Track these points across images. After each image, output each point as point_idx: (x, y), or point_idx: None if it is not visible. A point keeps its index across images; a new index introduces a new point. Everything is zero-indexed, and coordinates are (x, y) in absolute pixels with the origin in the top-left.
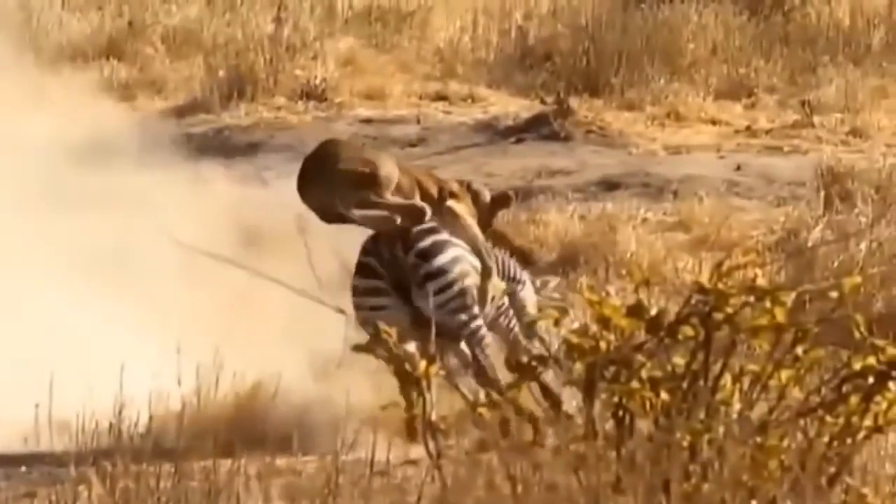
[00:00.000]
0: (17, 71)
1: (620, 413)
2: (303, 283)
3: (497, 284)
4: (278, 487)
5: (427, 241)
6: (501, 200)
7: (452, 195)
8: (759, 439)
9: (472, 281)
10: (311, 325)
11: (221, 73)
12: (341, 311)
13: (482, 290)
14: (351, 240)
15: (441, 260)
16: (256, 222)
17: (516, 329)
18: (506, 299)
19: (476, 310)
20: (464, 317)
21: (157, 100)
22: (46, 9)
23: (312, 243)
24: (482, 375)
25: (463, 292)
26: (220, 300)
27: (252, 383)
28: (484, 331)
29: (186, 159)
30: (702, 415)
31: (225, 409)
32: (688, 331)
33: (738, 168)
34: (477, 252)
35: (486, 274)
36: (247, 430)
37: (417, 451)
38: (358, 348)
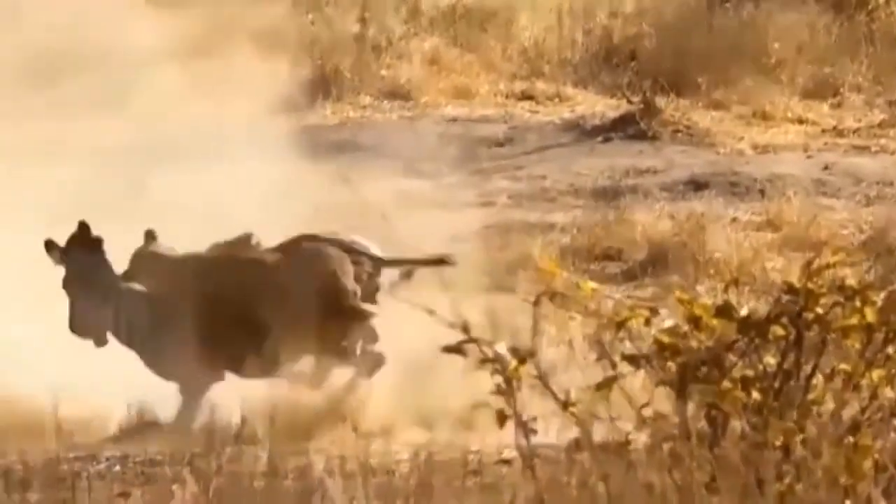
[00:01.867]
0: (101, 71)
1: (713, 413)
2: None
3: None
4: (372, 487)
5: None
6: None
7: None
8: (851, 439)
9: None
10: (400, 325)
11: (307, 72)
12: (431, 312)
13: None
14: (433, 236)
15: None
16: (343, 222)
17: None
18: None
19: None
20: None
21: (244, 99)
22: (132, 8)
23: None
24: None
25: None
26: None
27: (343, 383)
28: None
29: (274, 159)
30: (794, 415)
31: (317, 409)
32: (778, 330)
33: (826, 168)
34: None
35: None
36: (339, 429)
37: (510, 451)
38: (448, 349)
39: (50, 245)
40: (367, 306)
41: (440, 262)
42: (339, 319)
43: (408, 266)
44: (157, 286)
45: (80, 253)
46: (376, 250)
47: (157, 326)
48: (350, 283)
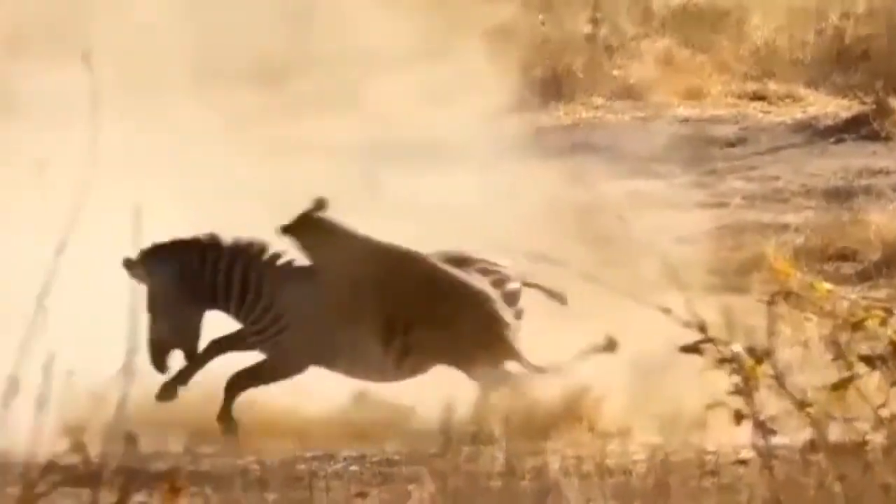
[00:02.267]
0: (333, 74)
1: None
2: (625, 282)
3: None
4: (610, 487)
5: None
6: None
7: None
8: None
9: None
10: (635, 326)
11: (538, 72)
12: (667, 311)
13: None
14: (664, 236)
15: None
16: (576, 223)
17: None
18: None
19: None
20: None
21: (475, 100)
22: (365, 8)
23: (633, 243)
24: None
25: None
26: (544, 302)
27: (579, 385)
28: None
29: (505, 160)
30: None
31: (553, 409)
32: None
33: None
34: None
35: None
36: (574, 429)
37: (747, 451)
38: (685, 348)
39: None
40: (518, 345)
41: (556, 296)
42: (492, 351)
43: (535, 288)
44: (332, 259)
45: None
46: (510, 270)
47: (321, 301)
48: (509, 318)
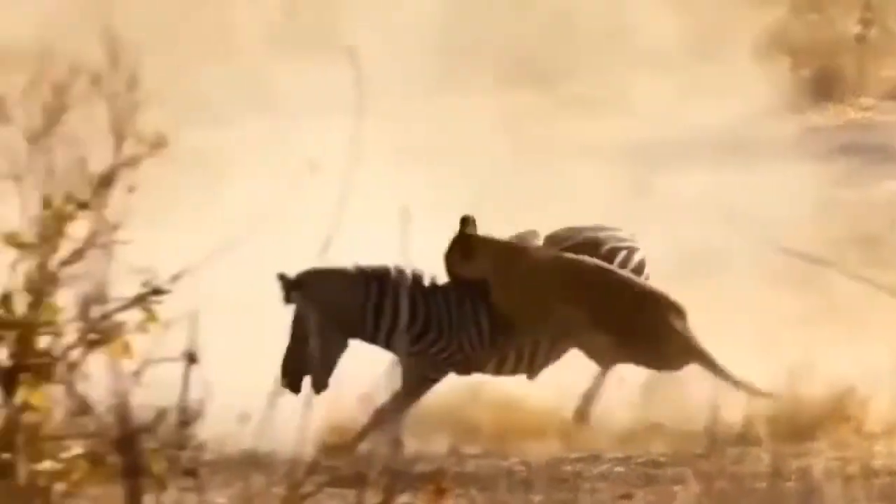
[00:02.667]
0: (600, 70)
1: None
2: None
3: None
4: (875, 489)
5: None
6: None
7: None
8: None
9: None
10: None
11: (808, 73)
12: None
13: None
14: None
15: None
16: (849, 225)
17: None
18: None
19: None
20: None
21: (743, 101)
22: (633, 8)
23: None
24: None
25: None
26: (813, 301)
27: (845, 385)
28: None
29: (775, 159)
30: None
31: (818, 410)
32: None
33: None
34: None
35: None
36: (840, 430)
37: None
38: None
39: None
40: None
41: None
42: (672, 352)
43: None
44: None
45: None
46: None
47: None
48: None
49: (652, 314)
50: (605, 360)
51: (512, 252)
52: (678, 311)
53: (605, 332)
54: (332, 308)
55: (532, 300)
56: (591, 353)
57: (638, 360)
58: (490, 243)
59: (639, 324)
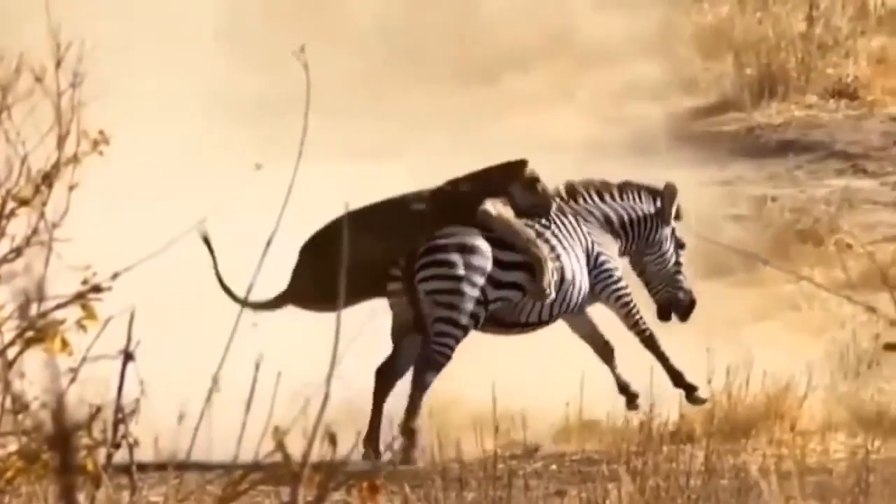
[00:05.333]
0: (548, 67)
1: None
2: (832, 282)
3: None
4: (810, 486)
5: None
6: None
7: None
8: None
9: None
10: (840, 324)
11: (752, 71)
12: (871, 310)
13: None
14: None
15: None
16: (790, 222)
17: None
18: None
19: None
20: None
21: (687, 99)
22: (580, 7)
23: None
24: None
25: None
26: (751, 299)
27: (781, 385)
28: None
29: (716, 158)
30: None
31: (754, 408)
32: None
33: None
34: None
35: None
36: (777, 427)
37: None
38: (889, 347)
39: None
40: None
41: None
42: None
43: None
44: None
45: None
46: None
47: None
48: None
49: None
50: None
51: None
52: None
53: None
54: None
55: None
56: None
57: None
58: None
59: None
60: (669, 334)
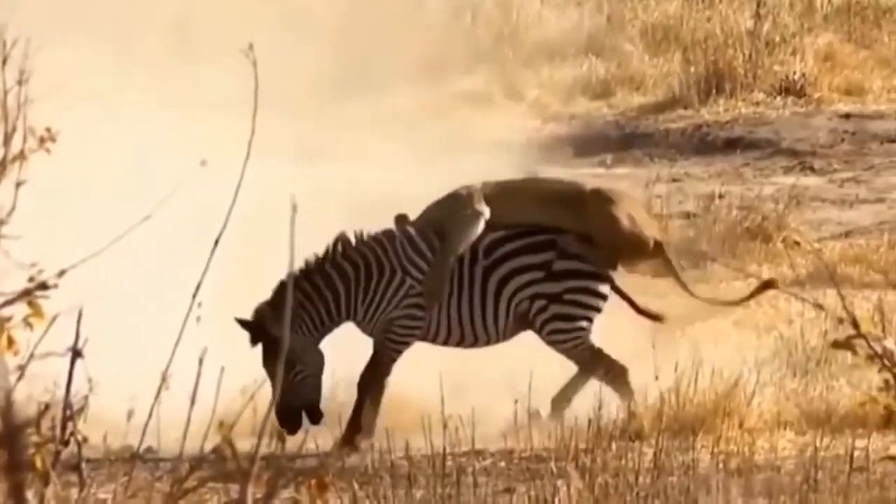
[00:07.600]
0: (494, 66)
1: None
2: (780, 279)
3: None
4: (758, 483)
5: None
6: None
7: None
8: None
9: None
10: (788, 321)
11: (699, 68)
12: (819, 307)
13: None
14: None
15: None
16: (737, 220)
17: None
18: None
19: None
20: None
21: (636, 96)
22: (526, 5)
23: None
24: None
25: None
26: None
27: (731, 380)
28: None
29: (664, 156)
30: None
31: (703, 405)
32: None
33: None
34: None
35: None
36: (725, 425)
37: None
38: (837, 344)
39: None
40: None
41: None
42: None
43: None
44: None
45: None
46: None
47: None
48: None
49: None
50: None
51: None
52: None
53: None
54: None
55: None
56: None
57: None
58: None
59: None
60: (617, 332)
